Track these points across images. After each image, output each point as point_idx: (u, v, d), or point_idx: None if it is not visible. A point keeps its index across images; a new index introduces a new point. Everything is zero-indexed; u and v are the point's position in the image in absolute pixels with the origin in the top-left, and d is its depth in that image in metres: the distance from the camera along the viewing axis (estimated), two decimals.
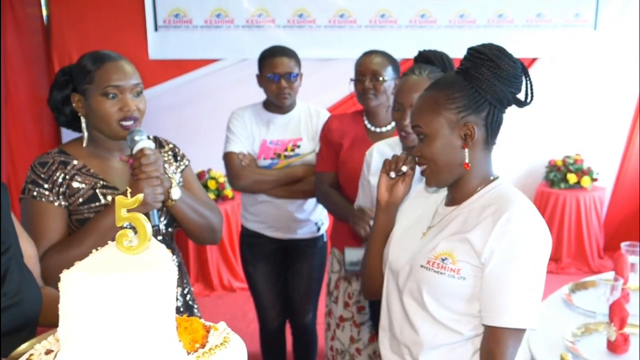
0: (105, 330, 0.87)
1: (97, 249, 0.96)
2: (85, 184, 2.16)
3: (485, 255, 1.77)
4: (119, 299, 0.86)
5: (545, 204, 5.74)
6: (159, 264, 0.90)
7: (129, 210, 0.93)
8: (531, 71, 5.49)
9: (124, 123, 2.12)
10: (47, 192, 2.11)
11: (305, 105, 3.49)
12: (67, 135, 5.17)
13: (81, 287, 0.86)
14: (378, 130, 3.17)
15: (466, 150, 1.84)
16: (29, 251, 1.88)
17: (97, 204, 2.16)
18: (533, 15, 5.49)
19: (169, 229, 2.30)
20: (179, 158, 2.46)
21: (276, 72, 3.26)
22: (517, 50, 5.72)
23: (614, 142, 5.99)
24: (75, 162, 2.17)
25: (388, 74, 3.08)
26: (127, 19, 5.18)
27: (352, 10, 5.33)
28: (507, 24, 5.47)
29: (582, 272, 5.58)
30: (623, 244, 3.16)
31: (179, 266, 2.39)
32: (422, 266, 1.87)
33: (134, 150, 2.09)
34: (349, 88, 3.20)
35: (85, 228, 2.11)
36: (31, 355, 1.02)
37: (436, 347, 1.88)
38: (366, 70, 3.09)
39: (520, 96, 1.91)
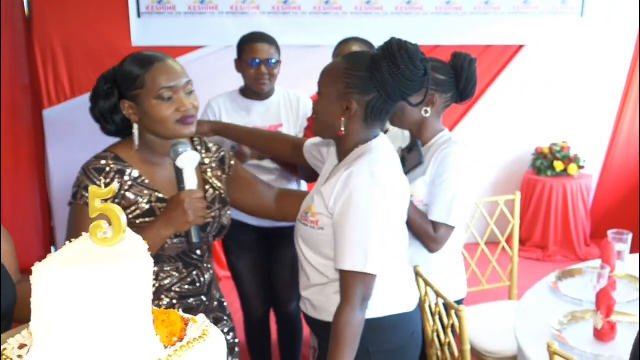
0: (79, 324, 0.84)
1: None
2: (142, 196, 2.11)
3: (331, 206, 2.09)
4: (93, 291, 0.83)
5: (532, 192, 5.75)
6: (134, 256, 0.87)
7: (103, 201, 0.90)
8: (518, 58, 5.60)
9: (185, 121, 2.07)
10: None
11: (284, 91, 3.44)
12: (49, 125, 5.17)
13: (54, 280, 0.83)
14: None
15: (342, 119, 2.12)
16: (5, 246, 1.85)
17: (154, 219, 2.10)
18: (520, 2, 5.47)
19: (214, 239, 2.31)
20: (226, 164, 2.37)
21: (256, 57, 3.23)
22: (503, 37, 5.76)
23: (600, 130, 5.99)
24: (130, 170, 2.11)
25: None
26: (110, 5, 5.11)
27: None
28: (494, 11, 5.45)
29: (569, 259, 5.60)
30: (610, 232, 3.16)
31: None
32: (298, 219, 2.26)
33: (177, 163, 2.05)
34: None
35: None
36: (4, 349, 0.99)
37: (312, 286, 2.25)
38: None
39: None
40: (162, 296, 2.20)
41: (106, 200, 0.90)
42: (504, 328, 3.19)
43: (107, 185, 1.94)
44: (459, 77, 2.61)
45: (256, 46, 3.26)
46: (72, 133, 5.24)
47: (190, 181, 2.07)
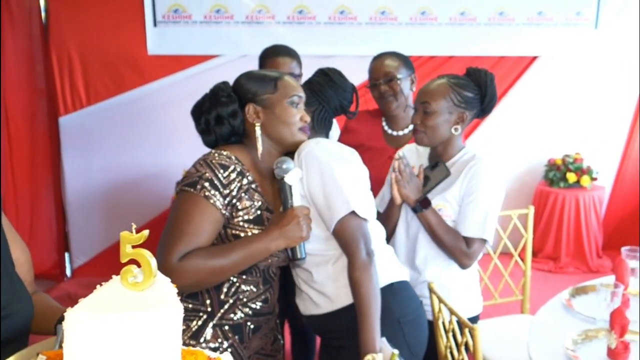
0: None
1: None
2: (254, 202, 2.17)
3: (305, 188, 2.25)
4: (123, 338, 0.85)
5: (545, 203, 5.73)
6: (164, 302, 0.88)
7: (133, 247, 0.92)
8: (531, 69, 5.59)
9: (304, 129, 2.28)
10: (220, 199, 2.09)
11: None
12: (64, 132, 5.20)
13: (86, 326, 0.85)
14: (395, 133, 3.17)
15: None
16: (21, 259, 1.86)
17: (262, 227, 2.17)
18: (534, 13, 5.47)
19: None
20: None
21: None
22: (517, 48, 5.76)
23: (613, 142, 5.98)
24: (248, 174, 2.19)
25: (402, 73, 3.08)
26: (126, 14, 5.15)
27: (352, 7, 5.31)
28: (508, 22, 5.45)
29: (580, 271, 5.59)
30: (623, 249, 3.15)
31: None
32: None
33: (287, 179, 2.17)
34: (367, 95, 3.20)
35: (237, 244, 2.12)
36: None
37: (312, 269, 2.34)
38: (379, 74, 3.10)
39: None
40: (237, 310, 2.22)
41: (137, 246, 0.92)
42: (516, 342, 3.20)
43: (227, 184, 2.05)
44: (482, 94, 2.64)
45: (278, 60, 3.28)
46: (87, 140, 5.29)
47: (298, 197, 2.21)
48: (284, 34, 5.16)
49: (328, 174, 2.22)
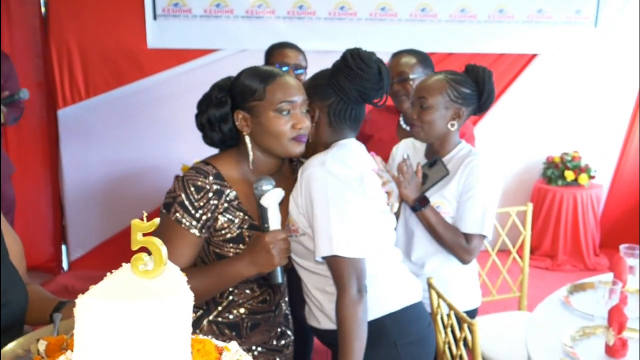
0: (121, 356, 0.86)
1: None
2: (235, 220, 2.08)
3: (300, 203, 2.11)
4: (134, 326, 0.85)
5: (542, 201, 5.75)
6: (175, 290, 0.88)
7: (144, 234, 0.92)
8: (531, 67, 5.59)
9: (298, 139, 2.08)
10: (194, 222, 2.02)
11: None
12: (63, 125, 5.19)
13: (96, 313, 0.85)
14: (408, 128, 3.19)
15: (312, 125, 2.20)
16: (14, 248, 1.86)
17: (242, 246, 2.09)
18: (534, 11, 5.48)
19: None
20: None
21: (285, 62, 3.26)
22: (517, 46, 5.74)
23: (612, 140, 5.99)
24: (228, 191, 2.08)
25: (416, 72, 3.09)
26: (126, 7, 5.14)
27: (353, 2, 5.31)
28: (508, 20, 5.46)
29: (577, 269, 5.61)
30: (622, 247, 3.16)
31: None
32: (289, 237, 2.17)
33: (262, 202, 2.01)
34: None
35: (210, 269, 2.07)
36: None
37: (314, 291, 2.25)
38: (393, 73, 3.11)
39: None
40: (233, 310, 2.20)
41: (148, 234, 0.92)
42: (514, 339, 3.21)
43: (200, 207, 1.97)
44: (480, 90, 2.64)
45: (286, 51, 3.31)
46: (85, 133, 5.28)
47: (275, 220, 2.04)
48: (283, 29, 5.17)
49: (320, 207, 2.05)
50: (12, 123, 4.40)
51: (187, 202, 2.01)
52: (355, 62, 2.15)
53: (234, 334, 2.19)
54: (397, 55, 3.21)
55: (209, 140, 2.19)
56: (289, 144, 2.07)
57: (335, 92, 2.19)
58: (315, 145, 2.26)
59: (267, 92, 2.05)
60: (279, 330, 2.36)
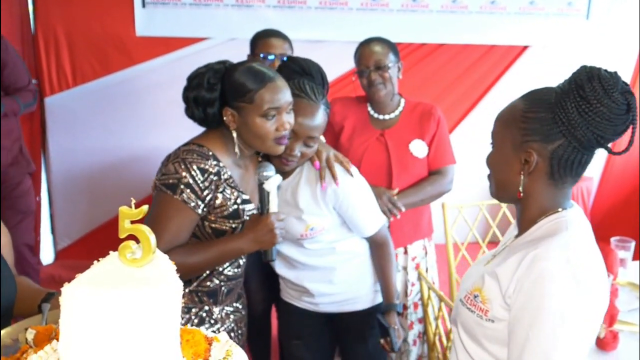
0: (107, 345, 0.84)
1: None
2: (231, 197, 2.23)
3: (510, 294, 1.59)
4: (122, 314, 0.82)
5: None
6: (163, 279, 0.86)
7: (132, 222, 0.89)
8: (522, 59, 5.57)
9: (280, 141, 2.22)
10: (199, 202, 2.14)
11: None
12: (50, 113, 5.14)
13: (83, 302, 0.82)
14: (381, 117, 3.15)
15: (521, 177, 1.67)
16: (2, 239, 1.84)
17: (239, 220, 2.26)
18: (525, 2, 5.44)
19: None
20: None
21: (271, 52, 3.22)
22: (508, 37, 5.69)
23: None
24: (224, 171, 2.21)
25: (391, 61, 3.05)
26: None
27: None
28: (499, 11, 5.42)
29: None
30: (613, 239, 3.16)
31: None
32: (460, 300, 1.77)
33: (265, 186, 2.21)
34: (354, 80, 3.16)
35: (213, 244, 2.22)
36: None
37: None
38: (369, 62, 3.05)
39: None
40: (214, 278, 2.34)
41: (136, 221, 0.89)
42: None
43: (205, 187, 2.08)
44: None
45: (271, 41, 3.26)
46: (73, 121, 5.23)
47: (274, 203, 2.24)
48: (273, 17, 5.11)
49: (551, 322, 1.49)
50: (26, 110, 4.36)
51: (194, 184, 2.13)
52: (593, 91, 1.57)
53: (211, 300, 2.35)
54: (368, 44, 3.13)
55: (190, 113, 2.28)
56: (272, 145, 2.22)
57: (563, 133, 1.60)
58: (525, 201, 1.71)
59: (257, 97, 2.15)
60: (240, 294, 2.56)
